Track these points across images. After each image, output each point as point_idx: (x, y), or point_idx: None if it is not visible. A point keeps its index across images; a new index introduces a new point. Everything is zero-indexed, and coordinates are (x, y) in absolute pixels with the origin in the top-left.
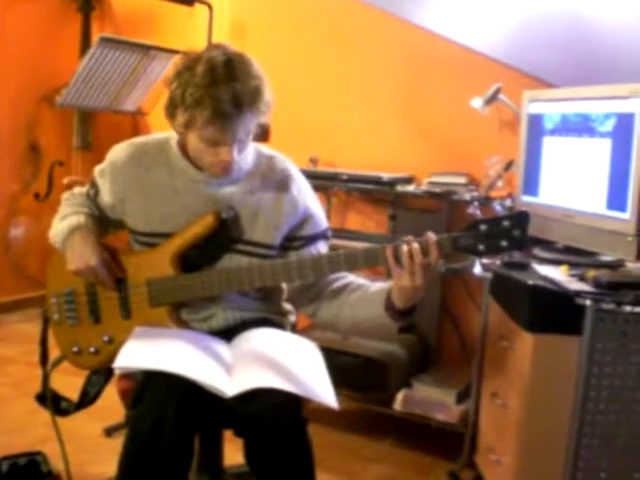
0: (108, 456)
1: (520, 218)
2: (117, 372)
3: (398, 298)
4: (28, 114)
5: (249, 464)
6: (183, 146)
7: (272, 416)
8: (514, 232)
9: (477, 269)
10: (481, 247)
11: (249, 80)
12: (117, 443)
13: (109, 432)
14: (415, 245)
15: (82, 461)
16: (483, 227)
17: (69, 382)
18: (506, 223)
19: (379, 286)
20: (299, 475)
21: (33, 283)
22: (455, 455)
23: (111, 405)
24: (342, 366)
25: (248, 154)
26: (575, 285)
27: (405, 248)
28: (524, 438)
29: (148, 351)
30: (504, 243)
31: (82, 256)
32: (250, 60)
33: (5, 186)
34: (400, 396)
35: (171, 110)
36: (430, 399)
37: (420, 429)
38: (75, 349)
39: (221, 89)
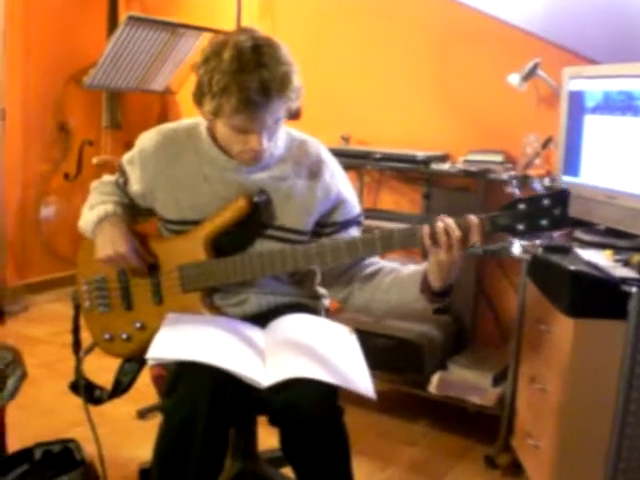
0: (141, 439)
1: (560, 196)
2: (150, 363)
3: (435, 277)
4: (56, 94)
5: (284, 453)
6: (212, 133)
7: (308, 406)
8: (554, 211)
9: (516, 250)
10: (520, 227)
11: (277, 66)
12: (150, 426)
13: (142, 414)
14: (449, 220)
15: (115, 444)
16: (522, 206)
17: (104, 365)
18: (546, 202)
19: (413, 269)
20: (335, 465)
21: (64, 263)
22: (491, 439)
23: (144, 387)
24: (376, 348)
25: (279, 139)
26: (620, 271)
27: (441, 224)
28: (564, 423)
29: (181, 341)
30: (544, 222)
31: (112, 244)
32: (278, 45)
33: (35, 166)
34: (435, 379)
35: (199, 97)
36: (466, 382)
37: (455, 412)
38: (107, 336)
39: (249, 77)
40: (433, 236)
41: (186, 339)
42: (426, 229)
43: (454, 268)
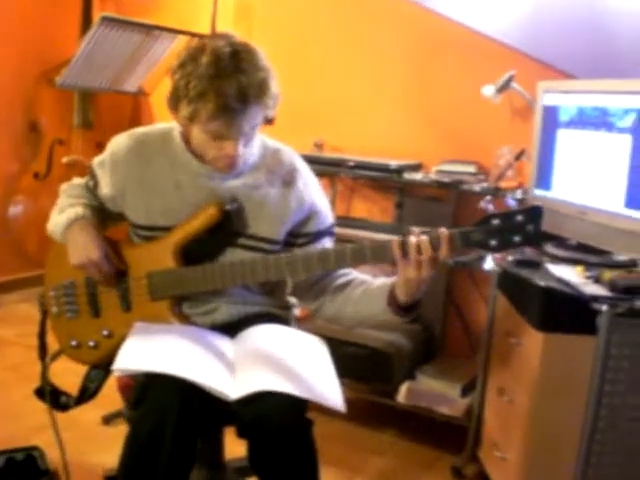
0: (107, 445)
1: (533, 213)
2: (116, 374)
3: (402, 291)
4: (27, 92)
5: (252, 465)
6: (186, 138)
7: (276, 419)
8: (527, 227)
9: (487, 264)
10: (493, 242)
11: (255, 72)
12: (116, 431)
13: (107, 420)
14: (424, 237)
15: (81, 450)
16: (495, 222)
17: (71, 368)
18: (519, 218)
19: (382, 281)
20: (303, 478)
21: (31, 263)
22: (459, 449)
23: (110, 392)
24: (345, 356)
25: (253, 146)
26: (591, 288)
27: (413, 240)
28: (531, 436)
29: (148, 352)
30: (517, 238)
31: (84, 249)
32: (256, 51)
33: (4, 165)
34: (404, 388)
35: (174, 102)
36: (434, 392)
37: (423, 422)
38: (74, 343)
39: (226, 82)
40: (403, 247)
41: (153, 350)
42: (396, 243)
43: (422, 285)
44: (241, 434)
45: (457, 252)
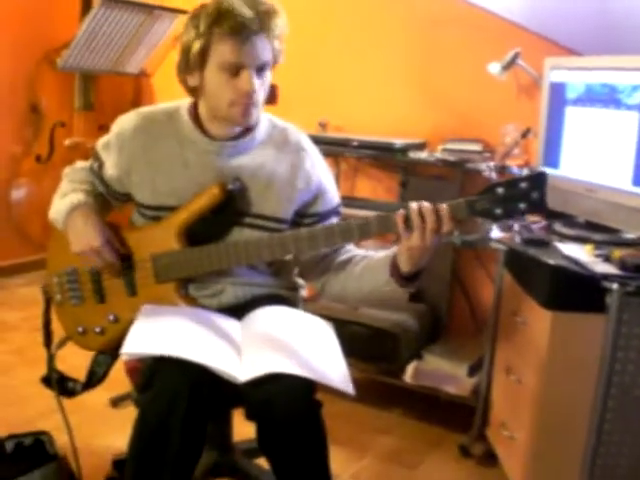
0: (115, 428)
1: (538, 179)
2: (124, 358)
3: (405, 261)
4: (28, 74)
5: (261, 447)
6: (195, 115)
7: (285, 401)
8: (532, 194)
9: (495, 235)
10: (498, 211)
11: (262, 3)
12: (124, 414)
13: (115, 402)
14: (426, 204)
15: (88, 434)
16: (500, 190)
17: (76, 351)
18: (523, 185)
19: (383, 253)
20: (312, 459)
21: (35, 246)
22: (466, 428)
23: (117, 375)
24: (352, 336)
25: (262, 123)
26: (601, 267)
27: (415, 206)
28: (540, 415)
29: (157, 335)
30: (522, 205)
31: (85, 237)
32: None
33: (6, 148)
34: (411, 368)
35: (184, 57)
36: (441, 372)
37: (430, 401)
38: (80, 329)
39: (237, 5)
40: (407, 219)
41: (161, 333)
42: (400, 212)
43: (426, 254)
44: (250, 416)
45: (462, 225)
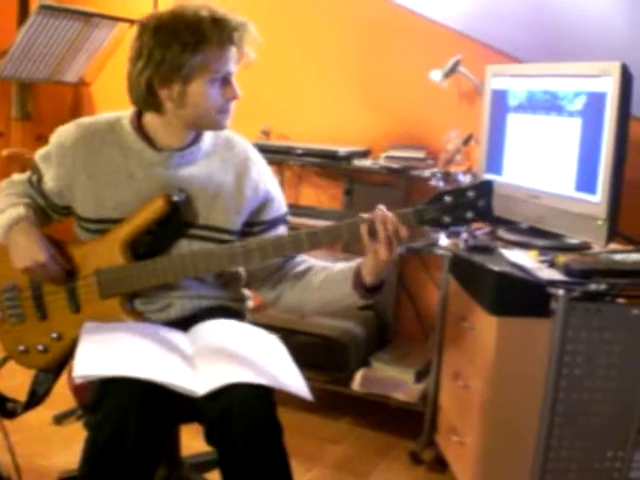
0: (59, 446)
1: (484, 188)
2: (78, 381)
3: (370, 272)
4: None
5: (221, 463)
6: (138, 126)
7: (244, 410)
8: (479, 202)
9: (444, 243)
10: (446, 219)
11: (234, 14)
12: (67, 432)
13: (59, 420)
14: (390, 214)
15: (31, 452)
16: (448, 199)
17: (16, 369)
18: (471, 194)
19: (345, 265)
20: (275, 470)
21: None
22: (415, 435)
23: (59, 390)
24: (299, 345)
25: (206, 134)
26: (546, 273)
27: (380, 213)
28: (488, 420)
29: (107, 355)
30: (469, 214)
31: (28, 252)
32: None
33: None
34: (359, 376)
35: (165, 73)
36: (389, 378)
37: (379, 408)
38: (21, 348)
39: (216, 21)
40: (371, 229)
41: (111, 353)
42: (364, 225)
43: (389, 265)
44: (208, 432)
45: (411, 234)
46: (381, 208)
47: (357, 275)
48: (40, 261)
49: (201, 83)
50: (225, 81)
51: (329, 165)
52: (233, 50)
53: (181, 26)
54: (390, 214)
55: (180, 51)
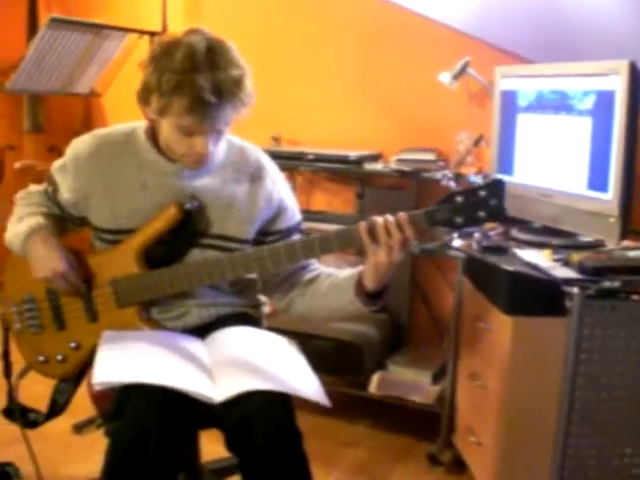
0: (79, 454)
1: (496, 187)
2: (98, 388)
3: (370, 278)
4: None
5: (242, 473)
6: (153, 136)
7: (263, 417)
8: (491, 202)
9: (457, 244)
10: (459, 220)
11: (231, 69)
12: (88, 441)
13: (79, 429)
14: (391, 218)
15: (53, 461)
16: (459, 199)
17: (37, 379)
18: (482, 193)
19: (349, 272)
20: (296, 473)
21: None
22: (433, 437)
23: (78, 400)
24: (315, 350)
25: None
26: (560, 272)
27: (381, 221)
28: (506, 420)
29: (126, 362)
30: (482, 214)
31: (48, 262)
32: (232, 48)
33: None
34: (375, 379)
35: (145, 95)
36: (405, 381)
37: (396, 411)
38: (41, 358)
39: (202, 76)
40: (371, 232)
41: (130, 360)
42: (363, 224)
43: (391, 270)
44: (229, 444)
45: (424, 234)
46: (383, 215)
47: (359, 282)
48: (59, 271)
49: (169, 124)
50: (191, 133)
51: (340, 170)
52: (209, 114)
53: (167, 65)
54: (391, 217)
55: (156, 86)
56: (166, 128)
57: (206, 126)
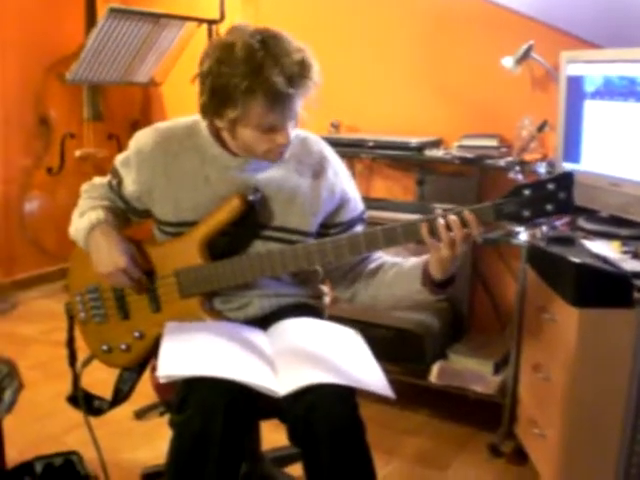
0: (140, 440)
1: (565, 180)
2: (162, 381)
3: (436, 270)
4: (36, 86)
5: (305, 465)
6: (215, 130)
7: (327, 411)
8: (559, 195)
9: (523, 238)
10: (526, 213)
11: (293, 54)
12: (148, 427)
13: (139, 415)
14: (452, 217)
15: (114, 447)
16: (527, 192)
17: (99, 366)
18: (551, 186)
19: (414, 261)
20: (359, 467)
21: (50, 258)
22: (494, 427)
23: (139, 387)
24: (375, 338)
25: None
26: (630, 264)
27: (442, 221)
28: (570, 413)
29: (190, 355)
30: (550, 207)
31: (110, 258)
32: (282, 33)
33: (17, 161)
34: (436, 368)
35: (214, 108)
36: (467, 370)
37: (457, 400)
38: (105, 347)
39: (270, 72)
40: (431, 230)
41: (194, 353)
42: (424, 226)
43: (456, 261)
44: (293, 436)
45: (490, 226)
46: (444, 214)
47: (425, 271)
48: (121, 266)
49: (248, 128)
50: (273, 128)
51: (401, 156)
52: (285, 105)
53: (237, 72)
54: (454, 218)
55: (226, 96)
56: (244, 132)
57: (287, 118)
